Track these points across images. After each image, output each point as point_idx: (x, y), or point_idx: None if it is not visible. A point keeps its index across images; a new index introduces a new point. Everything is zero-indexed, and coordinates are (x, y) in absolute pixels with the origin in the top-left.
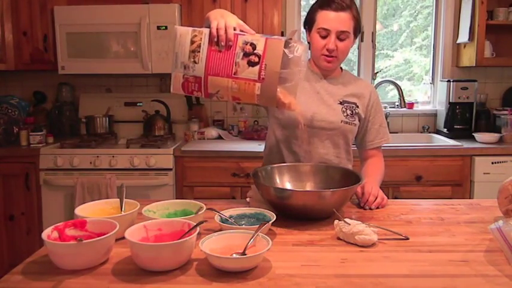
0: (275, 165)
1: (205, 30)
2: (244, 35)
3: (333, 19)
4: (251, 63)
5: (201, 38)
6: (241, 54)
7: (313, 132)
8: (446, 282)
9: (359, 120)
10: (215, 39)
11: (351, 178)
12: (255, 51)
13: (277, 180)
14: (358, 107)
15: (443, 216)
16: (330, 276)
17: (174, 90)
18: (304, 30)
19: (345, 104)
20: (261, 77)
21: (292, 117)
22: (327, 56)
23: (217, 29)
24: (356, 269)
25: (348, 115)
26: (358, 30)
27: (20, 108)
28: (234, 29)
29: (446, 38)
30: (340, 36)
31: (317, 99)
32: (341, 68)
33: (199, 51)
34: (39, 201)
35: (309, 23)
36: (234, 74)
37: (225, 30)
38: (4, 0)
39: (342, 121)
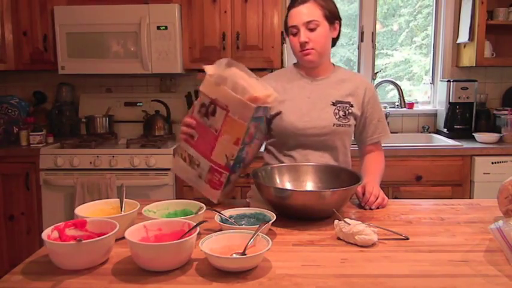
0: (275, 165)
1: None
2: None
3: (297, 14)
4: None
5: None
6: None
7: (307, 139)
8: (446, 282)
9: (355, 119)
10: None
11: (351, 178)
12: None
13: (277, 180)
14: (352, 106)
15: (443, 216)
16: (330, 276)
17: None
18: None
19: (338, 105)
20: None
21: (283, 126)
22: (302, 51)
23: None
24: (356, 269)
25: (340, 117)
26: (332, 17)
27: (20, 108)
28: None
29: (446, 38)
30: (309, 26)
31: (307, 104)
32: (333, 64)
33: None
34: (39, 201)
35: (286, 29)
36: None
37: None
38: (4, 0)
39: (334, 124)
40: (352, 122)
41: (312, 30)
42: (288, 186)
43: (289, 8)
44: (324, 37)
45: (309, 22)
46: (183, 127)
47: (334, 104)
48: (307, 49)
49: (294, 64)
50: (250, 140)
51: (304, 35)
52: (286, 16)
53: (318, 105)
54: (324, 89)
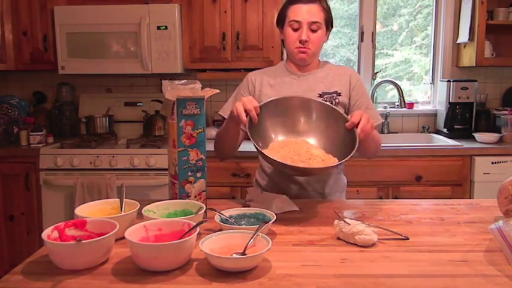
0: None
1: None
2: None
3: (303, 11)
4: None
5: None
6: None
7: None
8: (446, 282)
9: (344, 107)
10: None
11: (342, 118)
12: None
13: (272, 135)
14: (339, 94)
15: (443, 216)
16: (330, 276)
17: None
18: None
19: (325, 96)
20: None
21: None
22: (300, 48)
23: None
24: (356, 269)
25: None
26: (329, 23)
27: (20, 108)
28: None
29: (446, 38)
30: (312, 27)
31: None
32: (319, 60)
33: None
34: (39, 201)
35: (281, 19)
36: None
37: None
38: (4, 0)
39: None
40: (340, 111)
41: (313, 31)
42: (284, 138)
43: (292, 1)
44: (321, 40)
45: (313, 23)
46: None
47: (320, 96)
48: (305, 48)
49: (282, 61)
50: (194, 143)
51: (306, 33)
52: (286, 8)
53: None
54: (311, 83)
